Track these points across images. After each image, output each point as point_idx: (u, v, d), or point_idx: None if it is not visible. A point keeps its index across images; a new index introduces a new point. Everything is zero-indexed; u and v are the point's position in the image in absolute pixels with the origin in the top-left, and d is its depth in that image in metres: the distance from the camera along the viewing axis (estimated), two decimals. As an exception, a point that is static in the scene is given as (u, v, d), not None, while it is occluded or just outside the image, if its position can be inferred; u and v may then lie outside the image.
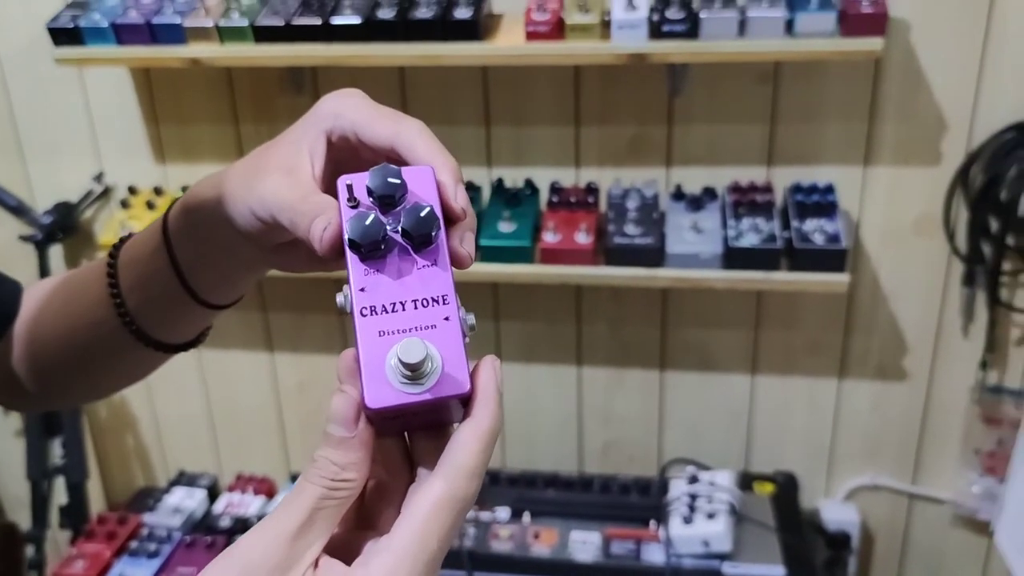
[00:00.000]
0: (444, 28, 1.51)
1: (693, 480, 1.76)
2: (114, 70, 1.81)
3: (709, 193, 1.68)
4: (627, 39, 1.47)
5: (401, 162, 0.49)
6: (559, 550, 1.70)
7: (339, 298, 0.46)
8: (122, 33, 1.60)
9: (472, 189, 1.74)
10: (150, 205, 1.81)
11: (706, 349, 1.86)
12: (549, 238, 1.63)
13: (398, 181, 0.46)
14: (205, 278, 0.61)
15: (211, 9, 1.58)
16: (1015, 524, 1.67)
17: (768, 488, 1.83)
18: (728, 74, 1.63)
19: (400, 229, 0.46)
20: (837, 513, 1.88)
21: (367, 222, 0.45)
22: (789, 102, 1.64)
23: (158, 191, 1.86)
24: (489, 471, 1.89)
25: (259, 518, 1.84)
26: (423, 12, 1.51)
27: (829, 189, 1.64)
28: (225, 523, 1.88)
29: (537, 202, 1.71)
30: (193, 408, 2.11)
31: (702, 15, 1.45)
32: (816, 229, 1.58)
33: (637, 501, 1.80)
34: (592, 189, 1.70)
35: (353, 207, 0.47)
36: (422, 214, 0.46)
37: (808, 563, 1.66)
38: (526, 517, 1.78)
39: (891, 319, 1.77)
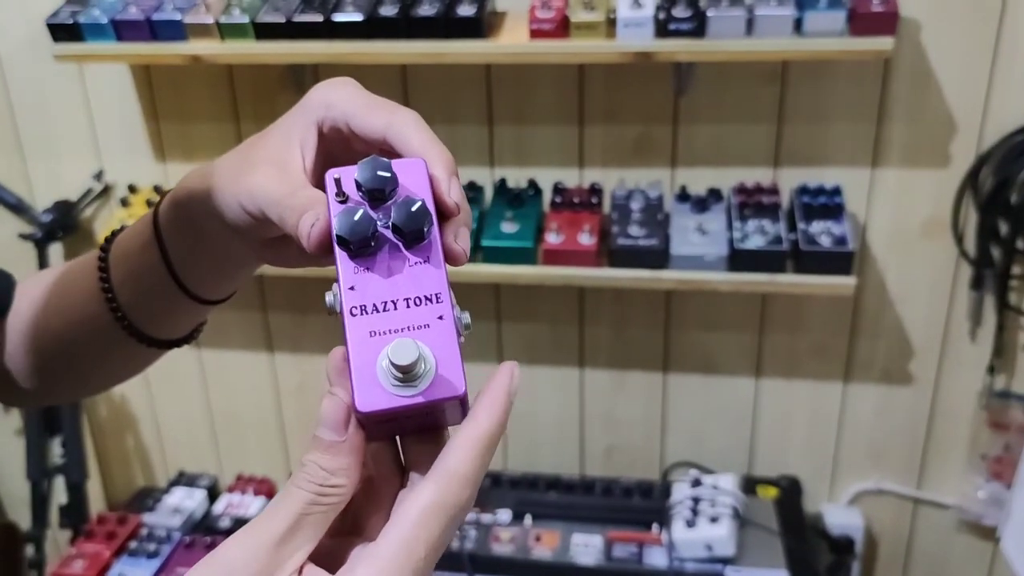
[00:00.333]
0: (447, 25, 1.49)
1: (696, 483, 1.74)
2: (114, 67, 1.80)
3: (714, 194, 1.66)
4: (633, 37, 1.45)
5: (394, 154, 0.48)
6: (561, 553, 1.69)
7: (328, 297, 0.44)
8: (122, 29, 1.59)
9: (474, 189, 1.73)
10: (150, 204, 1.80)
11: (710, 352, 1.84)
12: (552, 239, 1.62)
13: (388, 174, 0.45)
14: (196, 273, 0.60)
15: (212, 6, 1.57)
16: (1022, 530, 1.65)
17: (771, 492, 1.82)
18: (735, 74, 1.61)
19: (391, 225, 0.44)
20: (841, 517, 1.87)
21: (356, 217, 0.44)
22: (796, 102, 1.62)
23: (158, 189, 1.85)
24: (491, 473, 1.89)
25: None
26: (426, 9, 1.50)
27: (836, 191, 1.62)
28: (225, 524, 1.87)
29: (540, 203, 1.70)
30: (193, 408, 2.10)
31: (709, 13, 1.43)
32: (823, 231, 1.56)
33: (639, 504, 1.78)
34: (596, 190, 1.69)
35: (342, 202, 0.45)
36: (413, 209, 0.44)
37: (811, 568, 1.64)
38: (527, 520, 1.77)
39: (897, 323, 1.75)
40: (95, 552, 1.78)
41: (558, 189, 1.70)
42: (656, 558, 1.66)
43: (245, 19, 1.54)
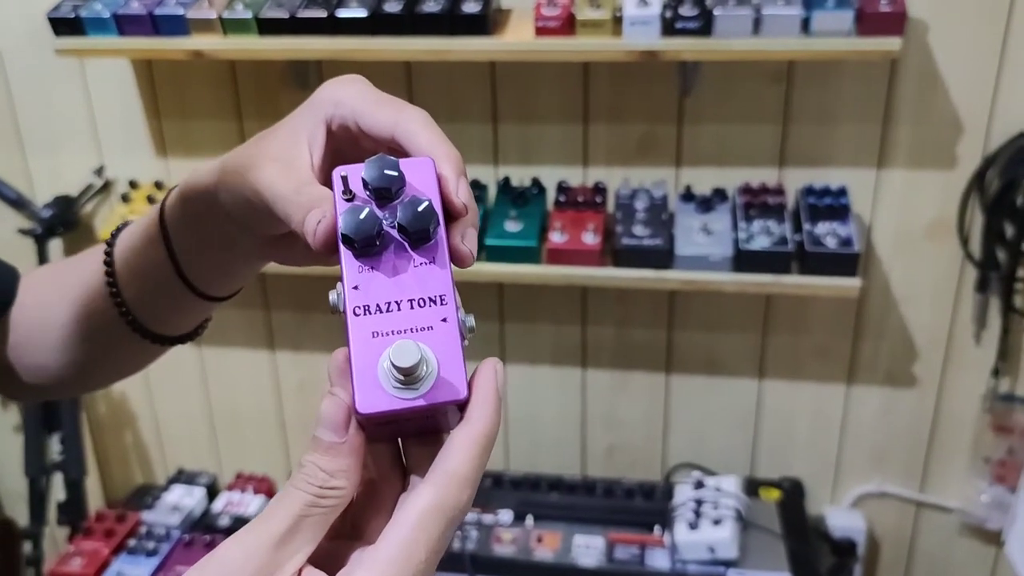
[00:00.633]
0: (452, 22, 1.48)
1: (699, 485, 1.73)
2: (116, 62, 1.79)
3: (719, 194, 1.65)
4: (639, 36, 1.44)
5: (402, 152, 0.47)
6: (562, 554, 1.68)
7: (331, 296, 0.44)
8: (124, 24, 1.58)
9: (478, 188, 1.72)
10: (151, 200, 1.79)
11: (713, 353, 1.83)
12: (556, 238, 1.61)
13: (395, 173, 0.44)
14: (202, 269, 0.60)
15: (215, 1, 1.56)
16: (1026, 535, 1.64)
17: (774, 494, 1.81)
18: (740, 73, 1.60)
19: (396, 224, 0.44)
20: (843, 520, 1.86)
21: (361, 216, 0.43)
22: (802, 102, 1.61)
23: (159, 185, 1.84)
24: (492, 473, 1.88)
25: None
26: (431, 6, 1.49)
27: (842, 192, 1.61)
28: (224, 522, 1.86)
29: (544, 202, 1.69)
30: (193, 405, 2.09)
31: (716, 12, 1.42)
32: (828, 232, 1.55)
33: (641, 506, 1.78)
34: (600, 189, 1.68)
35: (348, 200, 0.45)
36: (420, 208, 0.43)
37: (814, 572, 1.63)
38: (529, 520, 1.76)
39: (901, 325, 1.74)
40: (93, 550, 1.77)
41: (562, 188, 1.69)
42: (658, 560, 1.65)
43: (248, 14, 1.54)
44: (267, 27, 1.54)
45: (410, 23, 1.50)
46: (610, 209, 1.69)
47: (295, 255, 0.57)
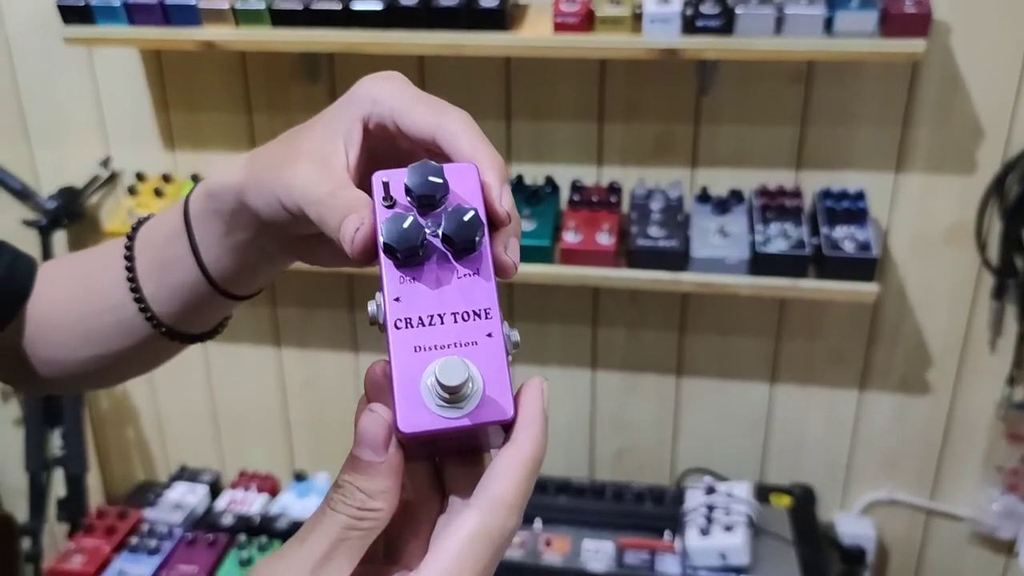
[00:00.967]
0: (469, 17, 1.46)
1: (710, 491, 1.71)
2: (124, 52, 1.76)
3: (736, 196, 1.63)
4: (659, 33, 1.42)
5: (441, 155, 0.45)
6: (571, 558, 1.66)
7: (371, 307, 0.42)
8: (134, 13, 1.55)
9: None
10: (158, 192, 1.77)
11: (725, 356, 1.81)
12: (570, 238, 1.59)
13: (440, 180, 0.42)
14: (225, 266, 0.57)
15: (227, -9, 1.54)
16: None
17: (785, 501, 1.79)
18: (759, 73, 1.58)
19: (440, 234, 0.42)
20: (852, 527, 1.84)
21: (405, 225, 0.41)
22: (821, 104, 1.59)
23: (167, 178, 1.81)
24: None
25: (262, 516, 1.82)
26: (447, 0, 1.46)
27: (860, 195, 1.59)
28: (227, 520, 1.84)
29: (557, 201, 1.67)
30: (196, 402, 2.06)
31: (738, 11, 1.39)
32: (846, 236, 1.53)
33: (651, 510, 1.76)
34: (615, 189, 1.66)
35: (389, 207, 0.43)
36: (466, 218, 0.41)
37: (826, 580, 1.61)
38: (537, 524, 1.74)
39: (916, 331, 1.72)
40: (94, 547, 1.75)
41: (576, 187, 1.67)
42: (668, 565, 1.63)
43: (261, 5, 1.51)
44: (280, 18, 1.52)
45: (426, 17, 1.47)
46: (625, 209, 1.66)
47: (323, 256, 0.55)
